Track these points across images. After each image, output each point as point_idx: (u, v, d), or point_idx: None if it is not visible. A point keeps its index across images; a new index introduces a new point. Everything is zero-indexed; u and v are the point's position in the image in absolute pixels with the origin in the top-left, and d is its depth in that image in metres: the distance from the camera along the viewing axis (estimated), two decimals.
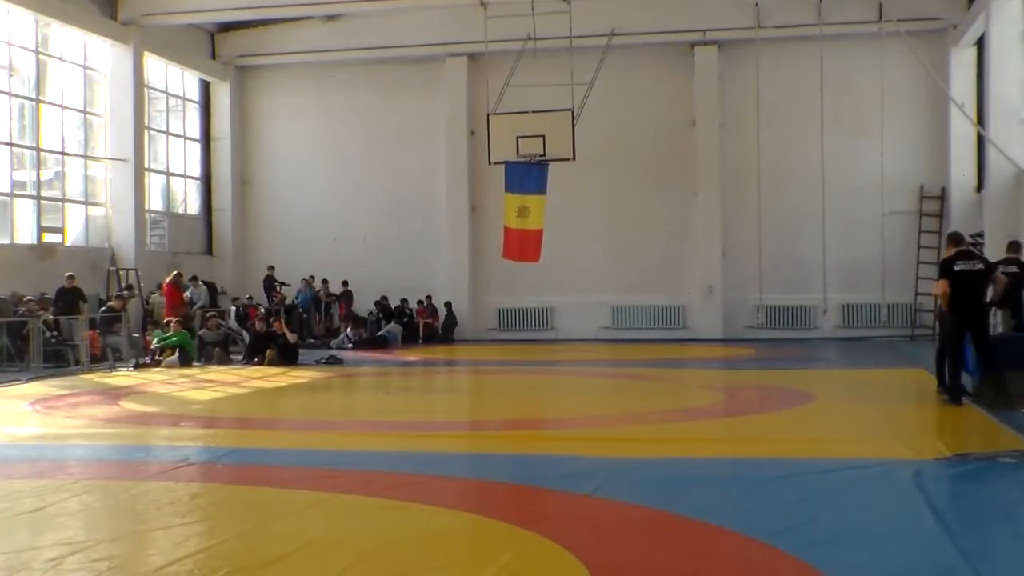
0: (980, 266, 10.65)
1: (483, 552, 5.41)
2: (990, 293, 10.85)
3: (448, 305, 24.52)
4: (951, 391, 10.63)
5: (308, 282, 24.34)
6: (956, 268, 10.53)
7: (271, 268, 24.65)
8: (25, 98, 20.38)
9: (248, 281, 25.56)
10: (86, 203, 22.07)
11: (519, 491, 7.02)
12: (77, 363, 17.01)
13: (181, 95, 25.67)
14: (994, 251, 18.33)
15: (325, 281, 24.74)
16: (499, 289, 24.89)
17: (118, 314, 18.39)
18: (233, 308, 22.29)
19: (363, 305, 24.83)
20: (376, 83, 25.84)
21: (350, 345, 21.83)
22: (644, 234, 24.40)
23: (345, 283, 24.68)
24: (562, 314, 24.90)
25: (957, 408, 10.46)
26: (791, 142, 23.38)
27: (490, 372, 17.31)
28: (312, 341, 22.63)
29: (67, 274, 18.31)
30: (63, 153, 21.41)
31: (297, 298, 24.12)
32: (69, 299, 18.03)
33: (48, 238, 20.59)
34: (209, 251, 26.34)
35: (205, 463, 8.03)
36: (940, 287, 10.58)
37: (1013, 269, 10.83)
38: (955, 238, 11.09)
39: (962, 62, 22.28)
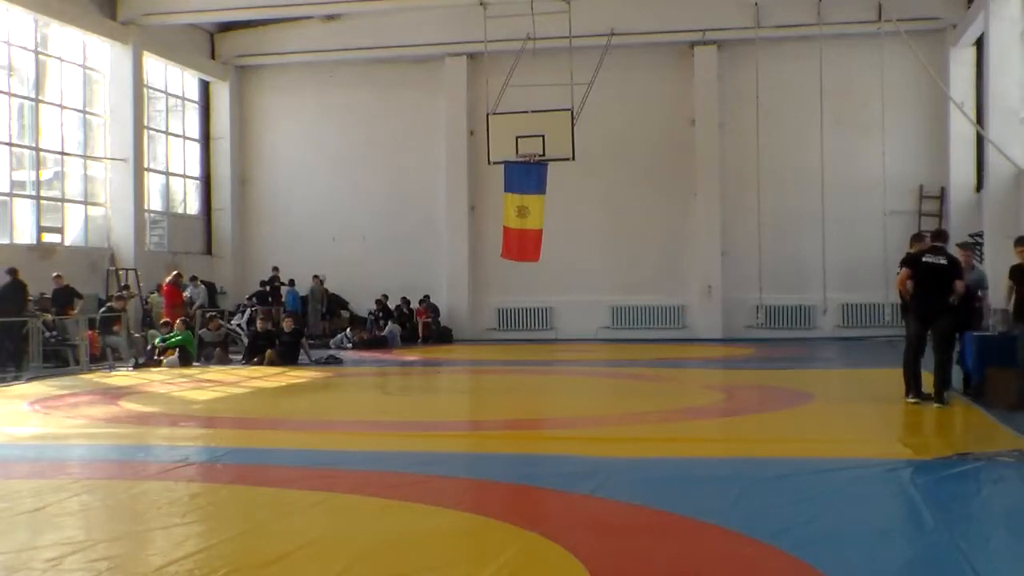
0: (944, 262, 10.71)
1: (483, 552, 5.40)
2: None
3: (426, 300, 24.58)
4: (912, 387, 10.81)
5: (290, 284, 24.26)
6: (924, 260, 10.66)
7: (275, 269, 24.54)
8: (24, 98, 20.38)
9: (248, 281, 25.54)
10: (85, 203, 22.06)
11: (519, 491, 7.02)
12: (76, 363, 17.01)
13: (180, 95, 25.67)
14: (994, 251, 18.41)
15: (316, 277, 24.67)
16: (498, 289, 24.89)
17: (118, 314, 18.39)
18: (250, 310, 22.21)
19: (363, 305, 24.86)
20: (375, 83, 25.85)
21: (350, 345, 21.84)
22: (643, 234, 24.41)
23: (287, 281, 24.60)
24: (561, 314, 24.90)
25: (956, 408, 10.49)
26: (791, 142, 23.41)
27: (490, 372, 17.30)
28: (312, 342, 22.59)
29: (54, 274, 18.28)
30: (62, 153, 21.41)
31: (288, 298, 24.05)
32: (63, 298, 18.04)
33: (47, 238, 20.59)
34: (208, 251, 26.34)
35: (205, 463, 8.03)
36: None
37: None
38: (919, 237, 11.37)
39: (962, 62, 22.31)
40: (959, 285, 10.62)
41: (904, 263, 10.93)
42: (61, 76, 21.38)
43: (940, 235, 11.38)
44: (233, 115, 26.43)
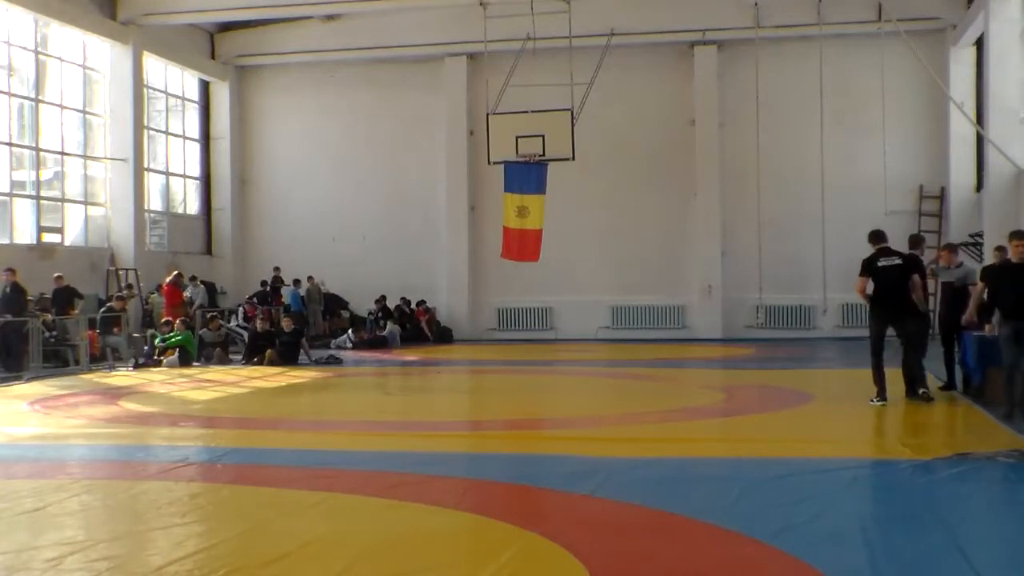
0: (898, 262, 10.76)
1: (483, 552, 5.41)
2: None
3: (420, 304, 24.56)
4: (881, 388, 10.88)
5: (293, 284, 24.27)
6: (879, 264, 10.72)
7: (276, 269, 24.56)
8: (25, 98, 20.38)
9: (248, 281, 25.54)
10: (85, 203, 22.07)
11: (519, 491, 7.03)
12: (76, 363, 17.01)
13: (180, 95, 25.67)
14: (993, 251, 18.39)
15: (310, 278, 24.67)
16: (498, 289, 24.89)
17: (118, 314, 18.39)
18: (241, 309, 22.20)
19: (363, 305, 24.86)
20: (375, 83, 25.85)
21: (350, 345, 21.84)
22: (643, 234, 24.41)
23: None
24: (561, 314, 24.90)
25: (956, 408, 10.51)
26: (791, 142, 23.40)
27: (490, 372, 17.29)
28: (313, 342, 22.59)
29: (55, 275, 18.31)
30: (62, 153, 21.41)
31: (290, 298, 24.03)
32: (63, 298, 18.05)
33: (47, 238, 20.60)
34: (208, 251, 26.34)
35: (205, 463, 8.03)
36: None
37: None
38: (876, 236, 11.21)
39: (961, 62, 22.32)
40: (916, 279, 10.77)
41: (861, 271, 10.97)
42: (61, 76, 21.38)
43: (878, 236, 11.16)
44: (233, 115, 26.43)
